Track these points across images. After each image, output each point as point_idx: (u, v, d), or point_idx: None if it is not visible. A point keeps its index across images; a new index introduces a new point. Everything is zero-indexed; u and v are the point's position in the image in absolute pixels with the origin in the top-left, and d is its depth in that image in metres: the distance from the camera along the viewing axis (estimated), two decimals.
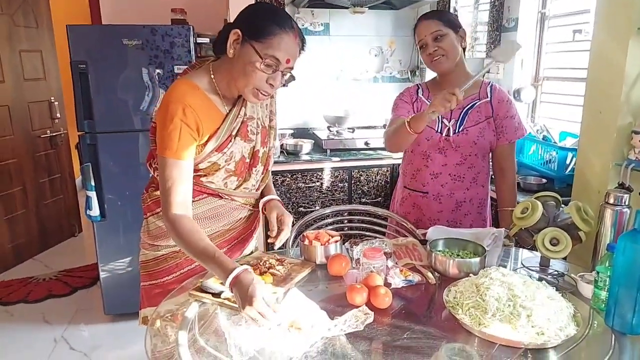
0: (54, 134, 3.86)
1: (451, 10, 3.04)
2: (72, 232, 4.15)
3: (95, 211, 2.58)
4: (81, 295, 3.16)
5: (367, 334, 1.08)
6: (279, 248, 1.45)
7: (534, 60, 3.02)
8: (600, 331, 1.11)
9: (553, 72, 2.92)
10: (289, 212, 1.48)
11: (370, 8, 3.11)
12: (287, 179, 2.92)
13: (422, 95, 1.85)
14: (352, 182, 3.02)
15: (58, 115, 3.89)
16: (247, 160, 1.39)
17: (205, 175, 1.34)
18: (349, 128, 3.29)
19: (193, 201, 1.33)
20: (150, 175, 1.45)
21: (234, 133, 1.32)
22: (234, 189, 1.41)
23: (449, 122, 1.76)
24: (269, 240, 1.45)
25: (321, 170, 2.96)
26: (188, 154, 1.24)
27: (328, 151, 3.04)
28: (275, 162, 2.87)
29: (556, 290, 1.18)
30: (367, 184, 3.03)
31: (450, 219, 1.82)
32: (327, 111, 3.36)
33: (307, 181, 2.95)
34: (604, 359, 1.00)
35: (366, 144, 3.10)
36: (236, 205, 1.44)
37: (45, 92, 3.80)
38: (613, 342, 1.06)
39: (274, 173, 2.88)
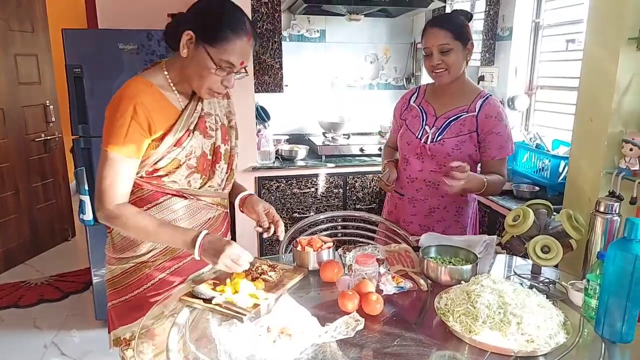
0: (48, 138, 3.84)
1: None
2: (65, 237, 4.12)
3: (88, 215, 2.57)
4: (73, 300, 3.14)
5: (357, 340, 1.07)
6: (271, 238, 1.45)
7: (528, 69, 3.05)
8: (591, 339, 1.11)
9: (547, 81, 2.95)
10: (283, 218, 1.47)
11: (366, 15, 3.13)
12: (282, 185, 2.92)
13: (414, 101, 1.87)
14: (347, 188, 3.03)
15: (53, 119, 3.87)
16: (209, 157, 1.35)
17: (166, 175, 1.28)
18: (344, 134, 3.30)
19: (156, 204, 1.31)
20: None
21: (191, 127, 1.29)
22: (199, 188, 1.35)
23: (430, 130, 1.76)
24: (264, 236, 1.45)
25: (316, 176, 2.97)
26: (133, 152, 1.22)
27: (323, 157, 3.05)
28: (270, 168, 2.89)
29: (547, 297, 1.18)
30: (362, 190, 3.04)
31: (424, 223, 1.84)
32: (322, 117, 3.37)
33: (302, 187, 2.96)
34: None
35: (361, 150, 3.11)
36: (203, 205, 1.38)
37: (40, 96, 3.79)
38: (603, 351, 1.07)
39: (269, 178, 2.88)
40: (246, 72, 1.30)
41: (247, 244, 2.92)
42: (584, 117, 1.66)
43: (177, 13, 1.29)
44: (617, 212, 1.32)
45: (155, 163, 1.26)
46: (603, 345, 1.08)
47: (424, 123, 1.78)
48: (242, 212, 1.50)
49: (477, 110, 1.71)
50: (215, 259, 1.17)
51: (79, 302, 3.11)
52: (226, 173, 1.43)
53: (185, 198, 1.34)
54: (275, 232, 1.43)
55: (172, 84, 1.28)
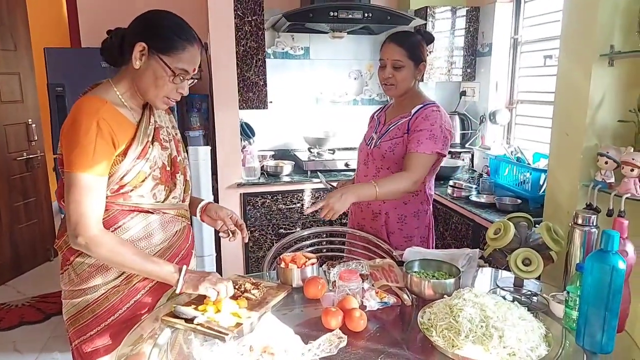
0: (30, 157, 3.80)
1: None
2: (47, 257, 4.05)
3: None
4: (55, 322, 3.07)
5: (340, 358, 1.07)
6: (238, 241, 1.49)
7: (508, 84, 3.12)
8: (572, 351, 1.13)
9: (526, 96, 3.01)
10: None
11: (349, 33, 3.18)
12: (268, 201, 2.91)
13: (377, 114, 2.00)
14: None
15: (35, 137, 3.83)
16: (169, 168, 1.36)
17: (133, 189, 1.26)
18: (329, 149, 3.32)
19: (124, 223, 1.28)
20: (63, 215, 1.33)
21: (150, 139, 1.30)
22: (163, 201, 1.34)
23: (375, 136, 1.89)
24: (230, 241, 1.50)
25: (302, 191, 2.97)
26: (103, 170, 1.19)
27: (308, 172, 3.05)
28: (255, 184, 2.88)
29: (529, 310, 1.20)
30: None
31: (370, 227, 1.92)
32: (307, 133, 3.39)
33: (287, 202, 2.95)
34: None
35: (346, 165, 3.12)
36: (169, 218, 1.37)
37: (23, 115, 3.75)
38: None
39: (255, 195, 2.88)
40: (200, 78, 1.36)
41: (232, 262, 2.92)
42: (560, 132, 1.70)
43: (115, 28, 1.29)
44: (594, 224, 1.35)
45: (121, 179, 1.24)
46: (585, 356, 1.09)
47: (375, 131, 1.91)
48: (203, 221, 1.52)
49: (411, 115, 1.79)
50: (201, 280, 1.23)
51: (61, 324, 3.02)
52: (183, 184, 1.43)
53: (152, 213, 1.32)
54: (241, 235, 1.48)
55: (123, 100, 1.27)
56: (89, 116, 1.17)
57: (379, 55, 1.83)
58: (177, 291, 1.24)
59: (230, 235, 1.49)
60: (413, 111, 1.79)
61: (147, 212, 1.31)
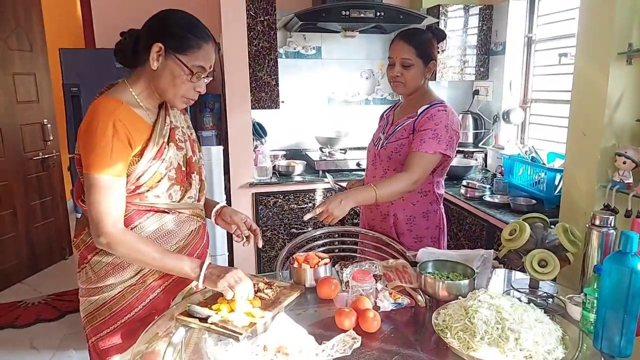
0: (46, 156, 3.85)
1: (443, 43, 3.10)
2: (62, 255, 4.10)
3: None
4: (70, 319, 3.11)
5: (354, 358, 1.07)
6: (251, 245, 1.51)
7: (522, 83, 3.08)
8: (590, 354, 1.11)
9: (541, 95, 2.97)
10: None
11: (360, 32, 3.17)
12: (280, 200, 2.92)
13: (386, 114, 1.99)
14: None
15: (50, 137, 3.88)
16: (184, 168, 1.37)
17: (149, 189, 1.27)
18: (341, 149, 3.32)
19: (140, 223, 1.29)
20: (80, 214, 1.34)
21: (166, 140, 1.30)
22: (179, 201, 1.35)
23: (383, 137, 1.87)
24: (244, 246, 1.51)
25: (313, 191, 2.97)
26: (120, 170, 1.20)
27: (320, 172, 3.05)
28: (267, 184, 2.89)
29: (545, 312, 1.18)
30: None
31: (380, 228, 1.91)
32: (319, 132, 3.39)
33: (299, 202, 2.96)
34: None
35: (358, 164, 3.12)
36: (184, 218, 1.37)
37: (38, 115, 3.80)
38: None
39: (267, 194, 2.89)
40: (213, 77, 1.35)
41: (244, 261, 2.93)
42: (576, 132, 1.68)
43: (129, 30, 1.30)
44: (612, 225, 1.32)
45: (138, 179, 1.25)
46: None
47: (382, 131, 1.89)
48: (218, 224, 1.53)
49: (417, 115, 1.76)
50: (222, 276, 1.23)
51: (77, 321, 3.07)
52: (198, 184, 1.44)
53: (168, 213, 1.33)
54: (255, 241, 1.50)
55: (139, 101, 1.28)
56: (105, 117, 1.18)
57: (390, 45, 1.82)
58: (200, 286, 1.25)
59: (244, 239, 1.51)
60: (419, 111, 1.76)
61: (163, 212, 1.32)
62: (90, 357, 1.38)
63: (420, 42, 1.74)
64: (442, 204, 1.91)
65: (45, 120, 3.84)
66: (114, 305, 1.31)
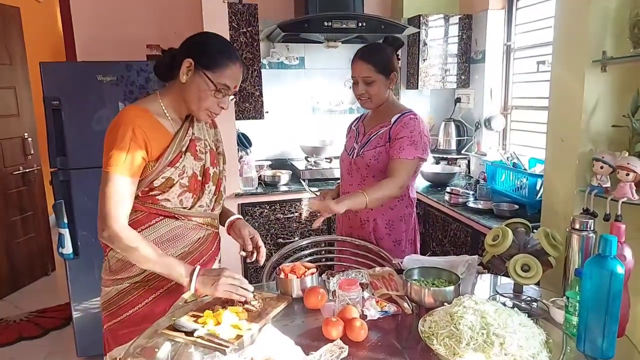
0: (27, 171, 3.79)
1: (421, 45, 3.15)
2: (44, 271, 4.03)
3: (68, 249, 2.52)
4: (53, 337, 3.04)
5: None
6: (253, 264, 1.56)
7: (502, 90, 3.14)
8: (573, 357, 1.12)
9: (521, 102, 3.03)
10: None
11: (343, 42, 3.20)
12: (266, 210, 2.91)
13: (355, 125, 2.06)
14: None
15: (31, 151, 3.83)
16: (200, 177, 1.45)
17: (161, 193, 1.36)
18: (326, 158, 3.33)
19: (150, 225, 1.38)
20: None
21: (183, 149, 1.39)
22: (190, 208, 1.43)
23: (357, 146, 1.93)
24: (247, 260, 1.55)
25: (299, 200, 2.97)
26: (134, 172, 1.30)
27: (306, 181, 3.06)
28: (253, 194, 2.88)
29: (529, 316, 1.20)
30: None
31: (358, 234, 1.97)
32: (304, 142, 3.40)
33: (285, 212, 2.95)
34: None
35: None
36: (193, 225, 1.45)
37: (19, 129, 3.75)
38: None
39: (252, 204, 2.88)
40: (235, 96, 1.46)
41: (231, 271, 2.90)
42: (555, 138, 1.71)
43: (169, 49, 1.42)
44: (592, 229, 1.35)
45: (151, 182, 1.34)
46: None
47: (355, 141, 1.96)
48: (229, 235, 1.61)
49: (391, 124, 1.84)
50: (215, 281, 1.28)
51: (60, 338, 3.02)
52: (214, 194, 1.51)
53: (177, 219, 1.41)
54: (257, 257, 1.55)
55: (165, 111, 1.39)
56: (127, 123, 1.29)
57: (351, 64, 1.88)
58: (192, 291, 1.30)
59: (249, 254, 1.56)
60: (393, 120, 1.84)
61: (173, 217, 1.41)
62: (104, 340, 1.48)
63: (378, 59, 1.81)
64: (415, 206, 1.99)
65: (26, 134, 3.79)
66: (120, 299, 1.41)
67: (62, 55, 3.41)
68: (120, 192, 1.29)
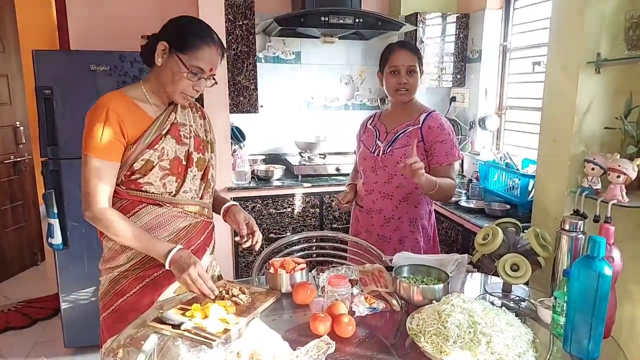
0: (18, 160, 3.76)
1: (418, 43, 3.14)
2: (34, 261, 4.00)
3: (57, 239, 2.50)
4: (41, 327, 3.03)
5: None
6: (248, 250, 1.54)
7: (497, 90, 3.14)
8: (560, 357, 1.13)
9: (515, 102, 3.04)
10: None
11: (340, 38, 3.19)
12: (258, 205, 2.90)
13: (370, 124, 2.04)
14: (324, 207, 3.03)
15: (23, 140, 3.79)
16: (184, 162, 1.44)
17: (142, 176, 1.37)
18: (320, 154, 3.32)
19: (134, 213, 1.39)
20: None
21: (163, 132, 1.40)
22: (175, 195, 1.42)
23: (382, 144, 1.92)
24: (243, 246, 1.54)
25: (292, 196, 2.96)
26: (109, 153, 1.32)
27: (299, 177, 3.05)
28: (246, 188, 2.87)
29: (517, 315, 1.20)
30: (339, 210, 3.04)
31: (381, 232, 1.95)
32: (298, 137, 3.39)
33: (278, 207, 2.95)
34: None
35: (337, 169, 3.13)
36: (178, 212, 1.44)
37: (11, 117, 3.71)
38: None
39: (245, 199, 2.87)
40: (215, 81, 1.44)
41: (222, 266, 2.88)
42: (547, 138, 1.72)
43: (153, 33, 1.42)
44: (581, 230, 1.36)
45: (131, 166, 1.35)
46: None
47: (377, 139, 1.95)
48: (225, 221, 1.61)
49: (421, 123, 1.87)
50: (179, 274, 1.28)
51: (47, 329, 3.00)
52: (202, 181, 1.51)
53: (161, 206, 1.41)
54: (252, 242, 1.54)
55: (147, 96, 1.40)
56: (102, 107, 1.32)
57: (372, 60, 1.89)
58: (166, 266, 1.30)
59: (244, 239, 1.54)
60: (421, 119, 1.86)
61: (157, 204, 1.40)
62: (100, 332, 1.49)
63: (419, 52, 1.87)
64: (432, 204, 2.03)
65: (17, 123, 3.76)
66: (112, 288, 1.42)
67: (55, 44, 3.38)
68: (98, 174, 1.31)
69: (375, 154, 1.93)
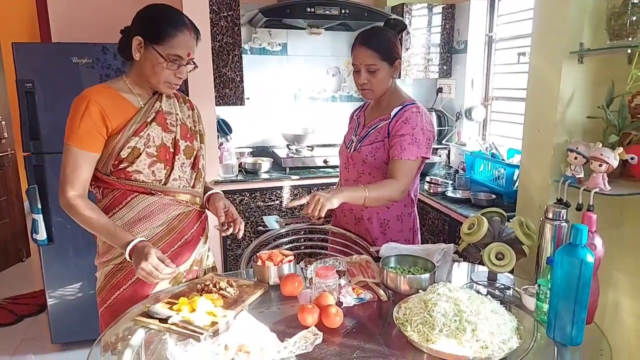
0: (0, 155, 3.69)
1: (404, 33, 3.14)
2: (19, 257, 3.95)
3: (42, 235, 2.47)
4: (28, 323, 3.00)
5: (317, 354, 1.07)
6: (233, 238, 1.50)
7: (483, 81, 3.16)
8: (544, 343, 1.15)
9: (501, 92, 3.06)
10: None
11: (326, 29, 3.17)
12: (246, 198, 2.90)
13: (356, 115, 1.93)
14: None
15: (5, 135, 3.73)
16: (171, 149, 1.45)
17: (130, 164, 1.37)
18: (308, 146, 3.31)
19: (126, 203, 1.40)
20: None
21: (148, 120, 1.41)
22: (165, 184, 1.43)
23: (355, 139, 1.82)
24: (222, 234, 1.54)
25: (280, 188, 2.96)
26: (87, 144, 1.34)
27: (287, 169, 3.05)
28: (234, 181, 2.86)
29: (501, 303, 1.22)
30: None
31: (356, 230, 1.86)
32: (286, 129, 3.37)
33: (266, 200, 2.94)
34: None
35: (325, 162, 3.13)
36: (169, 201, 1.44)
37: None
38: (556, 354, 1.10)
39: (232, 192, 2.86)
40: (196, 65, 1.43)
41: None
42: (531, 128, 1.73)
43: (125, 27, 1.42)
44: (564, 218, 1.37)
45: (118, 154, 1.36)
46: (555, 348, 1.12)
47: (354, 133, 1.85)
48: (209, 209, 1.60)
49: (391, 117, 1.71)
50: (135, 267, 1.25)
51: (34, 325, 2.97)
52: (192, 170, 1.51)
53: (153, 194, 1.41)
54: (233, 230, 1.52)
55: (131, 88, 1.42)
56: (83, 98, 1.34)
57: (352, 50, 1.77)
58: (127, 258, 1.29)
59: (222, 229, 1.53)
60: (392, 113, 1.70)
61: (149, 193, 1.41)
62: (100, 327, 1.48)
63: (382, 45, 1.66)
64: (415, 205, 1.88)
65: None
66: (107, 282, 1.43)
67: (36, 36, 3.31)
68: (74, 163, 1.33)
69: (349, 150, 1.83)
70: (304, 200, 1.54)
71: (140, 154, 1.37)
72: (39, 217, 2.45)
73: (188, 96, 2.72)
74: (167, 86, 1.40)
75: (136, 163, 1.37)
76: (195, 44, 1.41)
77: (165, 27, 1.33)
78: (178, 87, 1.44)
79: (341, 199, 1.53)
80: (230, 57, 2.86)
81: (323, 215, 1.50)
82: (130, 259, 1.27)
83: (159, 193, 1.42)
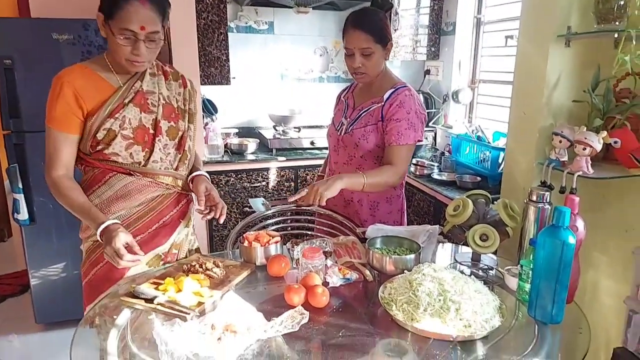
0: None
1: (392, 14, 3.11)
2: (0, 238, 3.89)
3: (23, 215, 2.43)
4: (10, 303, 2.97)
5: (303, 334, 1.08)
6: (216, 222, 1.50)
7: (470, 63, 3.16)
8: (525, 322, 1.18)
9: (488, 75, 3.06)
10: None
11: (314, 8, 3.13)
12: (232, 179, 2.88)
13: (344, 96, 1.90)
14: (299, 181, 3.03)
15: None
16: (152, 131, 1.43)
17: (106, 146, 1.36)
18: (294, 127, 3.30)
19: (105, 182, 1.40)
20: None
21: (126, 101, 1.38)
22: (144, 165, 1.42)
23: (345, 121, 1.80)
24: (202, 219, 1.51)
25: (267, 169, 2.95)
26: (64, 126, 1.34)
27: (274, 150, 3.03)
28: (220, 162, 2.84)
29: (485, 283, 1.24)
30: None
31: (345, 212, 1.85)
32: (272, 110, 3.35)
33: (252, 181, 2.93)
34: (528, 348, 1.06)
35: (312, 143, 3.12)
36: (147, 182, 1.43)
37: None
38: (536, 332, 1.13)
39: (218, 172, 2.84)
40: (162, 39, 1.36)
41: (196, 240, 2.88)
42: (517, 111, 1.74)
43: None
44: (547, 200, 1.40)
45: (94, 136, 1.35)
46: (536, 327, 1.14)
47: (344, 115, 1.82)
48: (193, 191, 1.56)
49: (384, 101, 1.69)
50: (104, 247, 1.26)
51: (17, 305, 2.95)
52: (177, 152, 1.49)
53: (132, 175, 1.40)
54: (214, 215, 1.49)
55: (111, 66, 1.38)
56: (58, 79, 1.33)
57: (344, 33, 1.74)
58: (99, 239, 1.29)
59: (202, 213, 1.49)
60: (385, 96, 1.68)
61: (126, 173, 1.40)
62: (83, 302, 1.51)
63: (376, 27, 1.63)
64: (403, 187, 1.89)
65: None
66: (88, 257, 1.45)
67: (14, 11, 3.20)
68: (55, 144, 1.34)
69: (339, 132, 1.80)
70: (304, 193, 1.52)
71: (116, 135, 1.36)
72: (20, 197, 2.41)
73: None
74: (129, 64, 1.33)
75: (112, 145, 1.36)
76: (155, 16, 1.29)
77: (116, 0, 1.26)
78: (144, 64, 1.35)
79: (340, 186, 1.53)
80: (216, 35, 2.81)
81: (324, 203, 1.50)
82: (101, 238, 1.27)
83: (138, 174, 1.41)
